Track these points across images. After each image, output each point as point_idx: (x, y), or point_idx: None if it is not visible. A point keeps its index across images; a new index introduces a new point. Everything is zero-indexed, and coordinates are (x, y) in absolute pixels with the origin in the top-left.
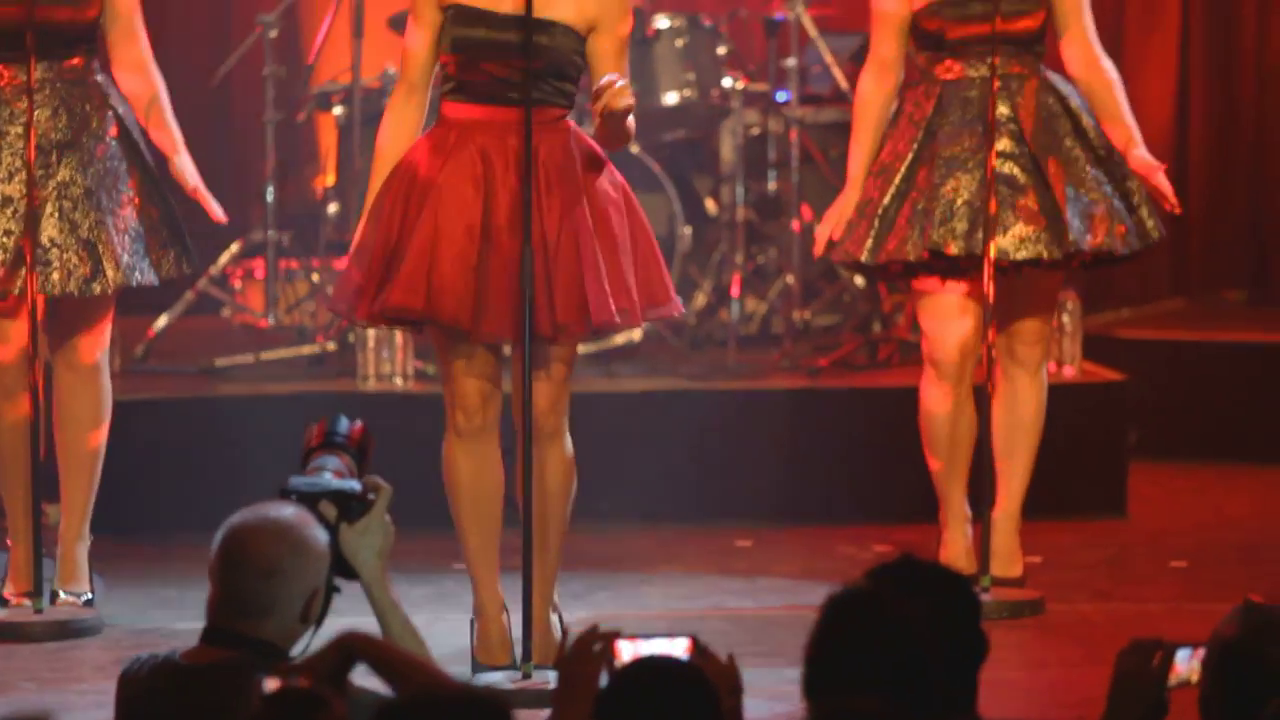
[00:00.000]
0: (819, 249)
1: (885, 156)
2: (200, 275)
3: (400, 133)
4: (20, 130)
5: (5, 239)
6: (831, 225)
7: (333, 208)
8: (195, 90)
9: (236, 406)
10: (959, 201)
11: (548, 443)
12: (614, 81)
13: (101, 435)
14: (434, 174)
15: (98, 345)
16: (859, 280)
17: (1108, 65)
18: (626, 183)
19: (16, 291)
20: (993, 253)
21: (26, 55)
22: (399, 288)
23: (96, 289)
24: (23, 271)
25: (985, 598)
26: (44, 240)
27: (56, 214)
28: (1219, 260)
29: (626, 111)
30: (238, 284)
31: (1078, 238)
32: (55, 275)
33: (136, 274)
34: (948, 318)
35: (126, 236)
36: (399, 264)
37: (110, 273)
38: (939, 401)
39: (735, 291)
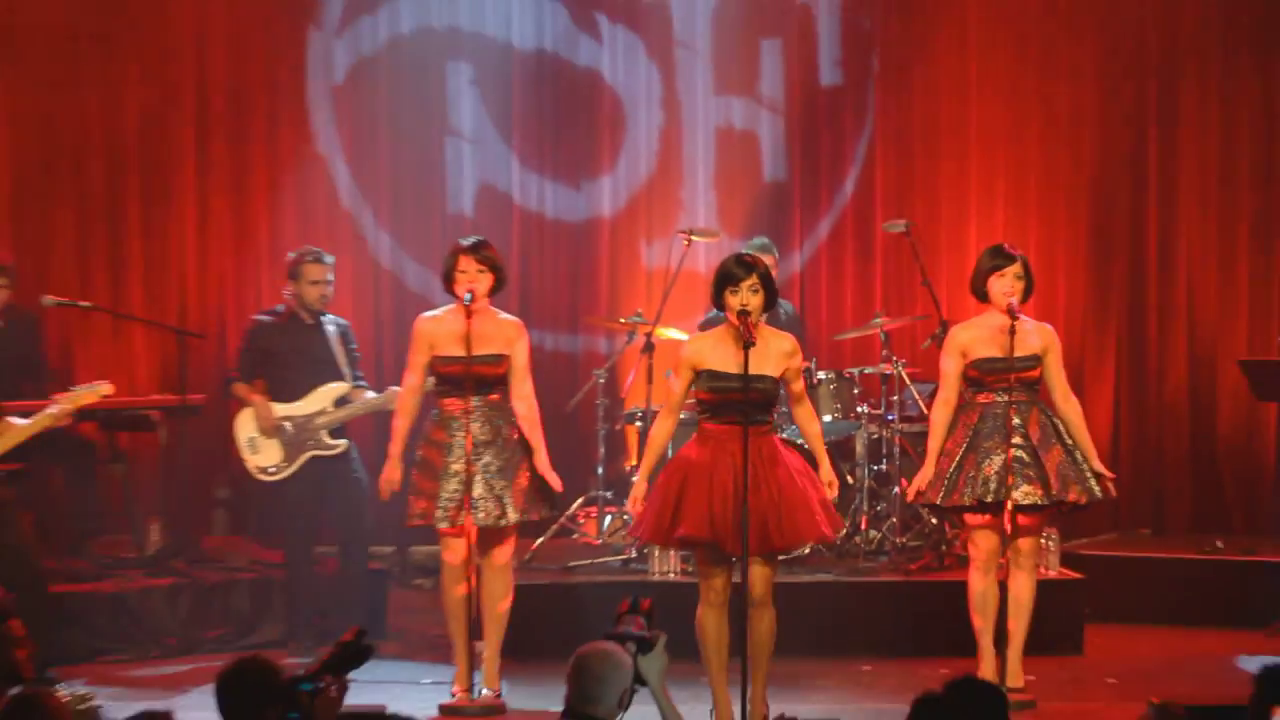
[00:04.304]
0: (910, 497)
1: (950, 445)
2: (564, 512)
3: (662, 434)
4: (462, 438)
5: (456, 494)
6: (916, 486)
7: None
8: (557, 413)
9: (583, 591)
10: (991, 474)
11: (763, 608)
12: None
13: (508, 604)
14: (704, 460)
15: (507, 553)
16: (934, 520)
17: (1074, 401)
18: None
19: (460, 522)
20: (1008, 500)
21: (464, 392)
22: (689, 524)
23: (503, 523)
24: (463, 514)
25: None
26: (474, 496)
27: (482, 482)
28: (1136, 509)
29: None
30: (581, 519)
31: (1059, 493)
32: (480, 515)
33: (522, 515)
34: (984, 536)
35: (520, 495)
36: (687, 508)
37: (511, 514)
38: (978, 582)
39: (863, 526)
